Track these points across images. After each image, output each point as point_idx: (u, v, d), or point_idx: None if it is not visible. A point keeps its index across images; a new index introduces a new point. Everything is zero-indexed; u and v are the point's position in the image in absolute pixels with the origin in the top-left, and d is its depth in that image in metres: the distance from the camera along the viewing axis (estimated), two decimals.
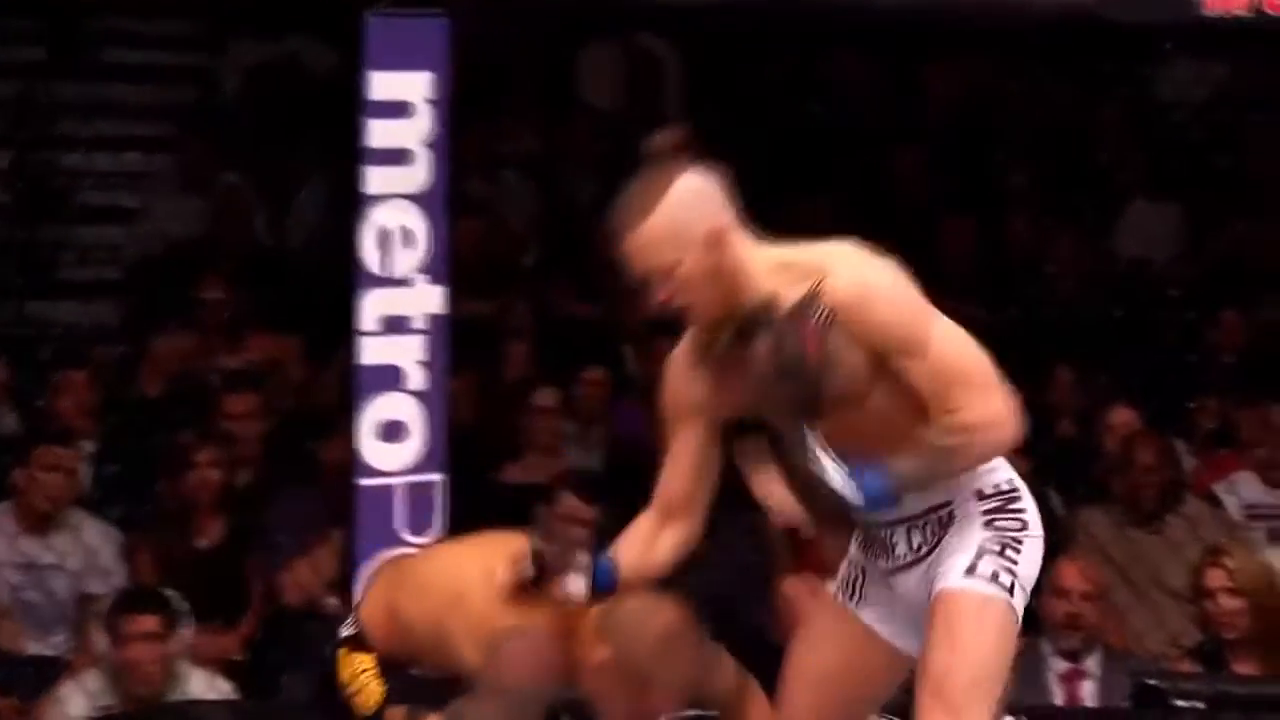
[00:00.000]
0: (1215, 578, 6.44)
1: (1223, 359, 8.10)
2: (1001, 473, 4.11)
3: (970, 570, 4.03)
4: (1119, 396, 7.56)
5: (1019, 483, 4.13)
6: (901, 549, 4.12)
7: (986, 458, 4.02)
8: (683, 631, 4.25)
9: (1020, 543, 4.06)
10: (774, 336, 3.83)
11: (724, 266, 3.90)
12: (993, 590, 4.03)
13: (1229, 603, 6.42)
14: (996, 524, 4.07)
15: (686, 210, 3.90)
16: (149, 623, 6.13)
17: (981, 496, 4.06)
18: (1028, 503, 4.11)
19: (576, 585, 4.20)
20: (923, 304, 3.95)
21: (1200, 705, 6.10)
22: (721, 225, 3.90)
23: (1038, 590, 5.46)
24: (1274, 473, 7.37)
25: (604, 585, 4.20)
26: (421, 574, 4.51)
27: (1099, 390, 7.66)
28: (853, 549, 4.25)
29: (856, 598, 4.19)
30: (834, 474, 3.89)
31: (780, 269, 3.95)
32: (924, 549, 4.10)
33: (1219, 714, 6.02)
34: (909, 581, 4.13)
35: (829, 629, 4.24)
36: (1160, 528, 6.99)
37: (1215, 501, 7.27)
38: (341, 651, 4.48)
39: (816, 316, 3.83)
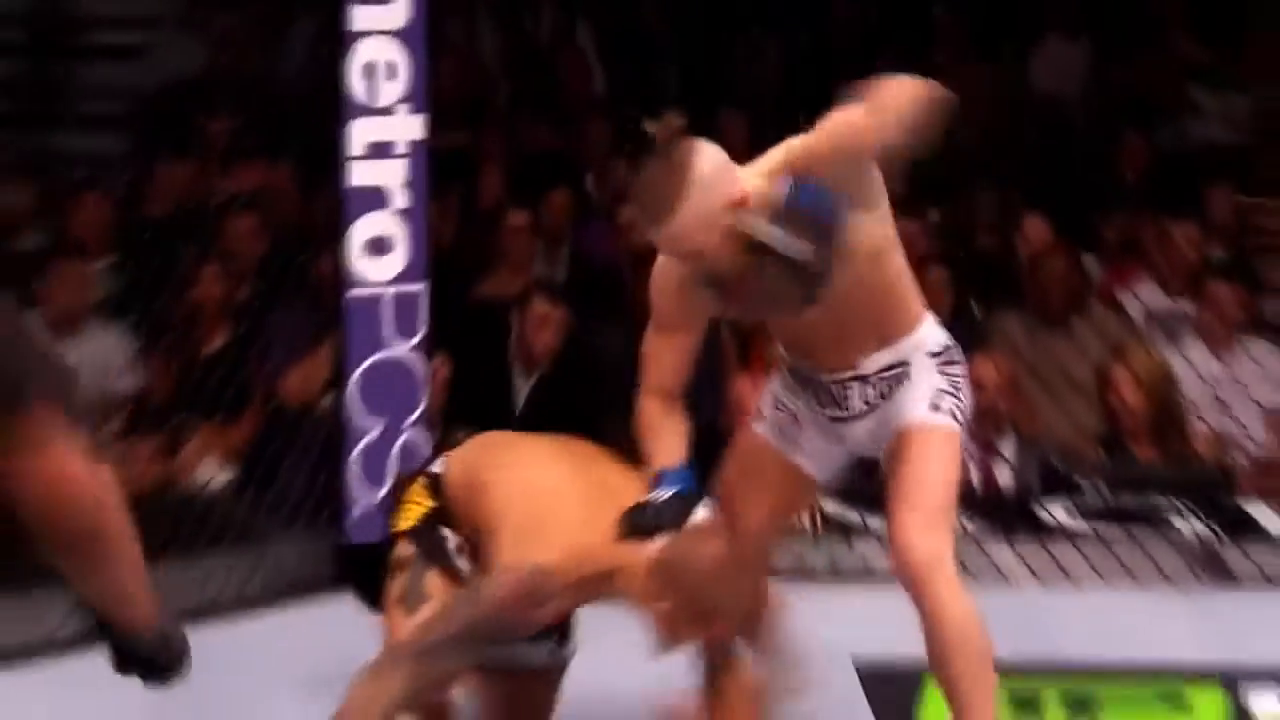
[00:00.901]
0: (1119, 374, 6.54)
1: (1126, 179, 8.14)
2: (942, 333, 4.17)
3: (935, 408, 4.12)
4: (1033, 212, 7.60)
5: (952, 342, 4.20)
6: (855, 402, 4.17)
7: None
8: (731, 560, 4.16)
9: (961, 388, 4.15)
10: (779, 244, 3.81)
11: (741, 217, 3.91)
12: (954, 425, 4.12)
13: (1130, 396, 6.52)
14: (946, 372, 4.14)
15: (707, 194, 3.84)
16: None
17: (932, 354, 4.13)
18: (959, 355, 4.20)
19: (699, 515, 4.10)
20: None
21: (1100, 484, 6.24)
22: (737, 192, 3.85)
23: None
24: (1172, 281, 7.41)
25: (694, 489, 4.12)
26: (519, 470, 4.29)
27: (1015, 207, 7.69)
28: (787, 398, 4.27)
29: (787, 442, 4.24)
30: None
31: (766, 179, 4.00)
32: (876, 402, 4.16)
33: (1116, 491, 6.18)
34: (857, 430, 4.20)
35: (761, 457, 4.27)
36: (1068, 330, 7.04)
37: (1119, 308, 7.32)
38: (420, 480, 4.40)
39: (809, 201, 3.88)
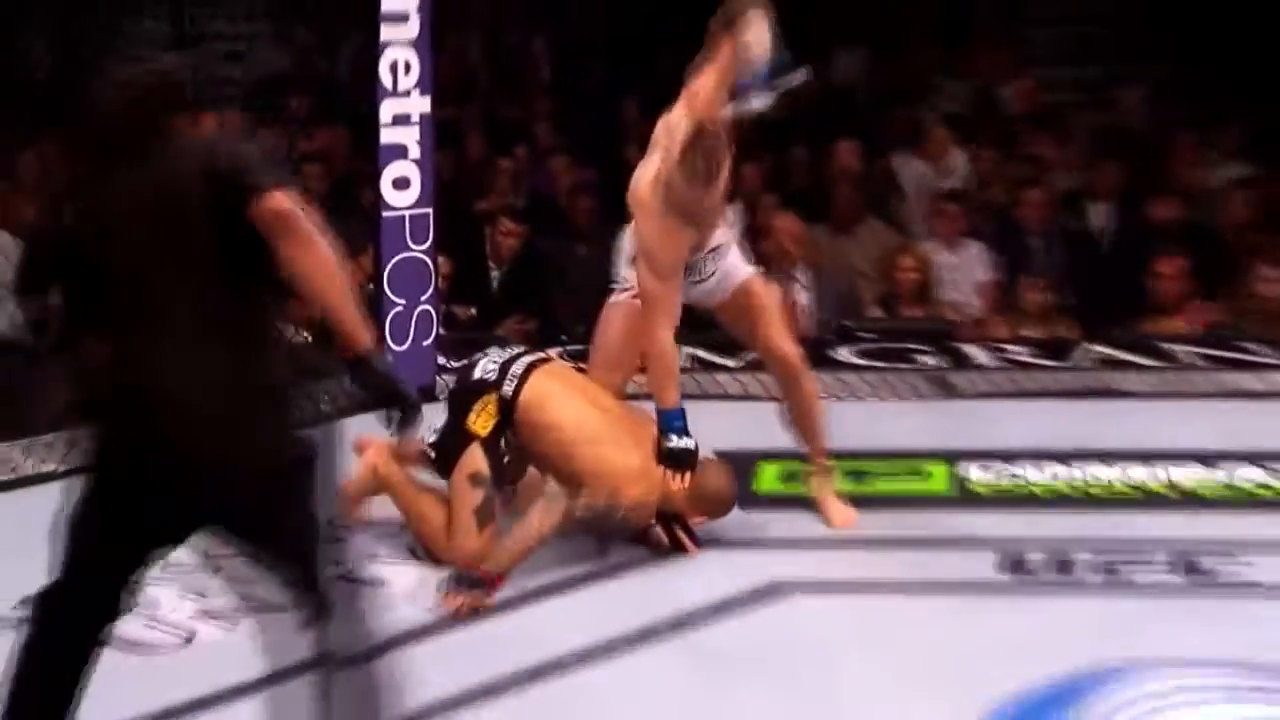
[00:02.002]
0: (903, 260, 6.59)
1: (898, 136, 7.82)
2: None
3: (753, 267, 4.27)
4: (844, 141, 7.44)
5: None
6: (710, 269, 4.19)
7: None
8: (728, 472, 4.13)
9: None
10: None
11: None
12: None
13: (906, 275, 6.58)
14: (737, 243, 4.25)
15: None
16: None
17: (727, 232, 4.22)
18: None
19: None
20: None
21: (876, 335, 6.32)
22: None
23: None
24: (919, 203, 7.37)
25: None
26: (575, 414, 4.03)
27: (829, 152, 7.50)
28: None
29: None
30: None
31: None
32: (714, 268, 4.20)
33: (886, 341, 6.18)
34: (707, 286, 4.22)
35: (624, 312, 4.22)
36: (854, 234, 7.09)
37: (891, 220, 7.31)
38: (494, 395, 4.06)
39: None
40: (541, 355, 4.24)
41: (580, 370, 4.30)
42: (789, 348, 4.28)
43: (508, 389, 4.06)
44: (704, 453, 4.06)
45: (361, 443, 4.28)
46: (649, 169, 4.00)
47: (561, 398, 4.06)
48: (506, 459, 4.08)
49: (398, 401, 2.76)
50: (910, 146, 7.57)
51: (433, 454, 4.11)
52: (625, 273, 4.23)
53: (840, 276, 6.71)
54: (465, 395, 4.11)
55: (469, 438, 4.03)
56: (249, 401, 2.73)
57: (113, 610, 2.83)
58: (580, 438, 3.99)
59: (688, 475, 3.99)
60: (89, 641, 2.81)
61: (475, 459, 4.02)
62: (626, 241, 4.21)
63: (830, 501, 4.36)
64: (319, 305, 2.74)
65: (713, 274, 4.20)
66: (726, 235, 4.23)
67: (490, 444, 4.04)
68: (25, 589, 3.76)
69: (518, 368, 4.10)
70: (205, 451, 2.67)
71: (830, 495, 4.37)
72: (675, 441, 3.99)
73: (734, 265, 4.25)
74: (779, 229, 6.49)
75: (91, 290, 2.74)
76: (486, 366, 4.12)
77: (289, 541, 2.75)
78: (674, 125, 3.99)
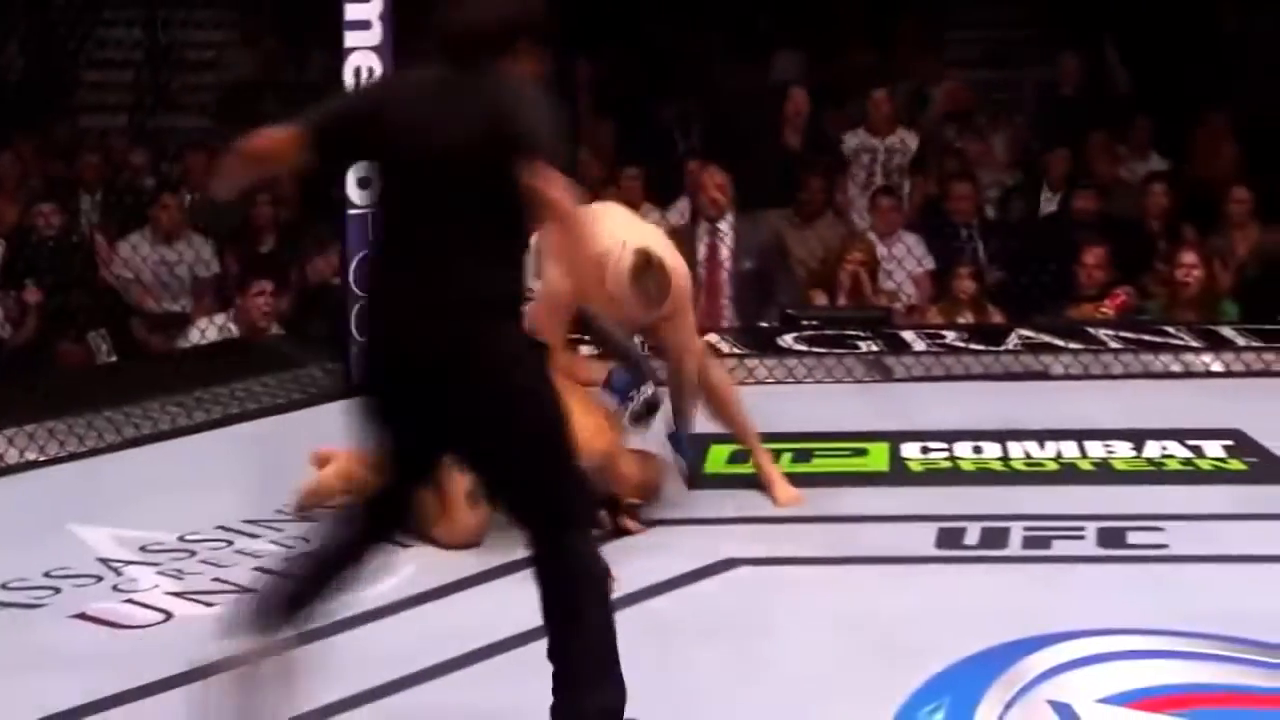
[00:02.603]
0: (852, 255, 6.61)
1: (830, 140, 7.77)
2: None
3: None
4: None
5: None
6: None
7: None
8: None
9: None
10: None
11: None
12: None
13: (850, 268, 6.59)
14: None
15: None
16: (266, 285, 6.19)
17: None
18: None
19: None
20: None
21: (817, 321, 6.34)
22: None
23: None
24: (863, 197, 7.43)
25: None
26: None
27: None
28: None
29: None
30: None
31: None
32: None
33: (825, 327, 6.22)
34: None
35: None
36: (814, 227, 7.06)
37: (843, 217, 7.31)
38: None
39: None
40: None
41: None
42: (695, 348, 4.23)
43: None
44: (637, 445, 4.04)
45: (324, 454, 4.23)
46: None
47: None
48: None
49: (625, 358, 3.09)
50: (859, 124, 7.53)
51: None
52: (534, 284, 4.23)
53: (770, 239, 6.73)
54: None
55: None
56: (495, 318, 2.75)
57: (400, 517, 2.92)
58: None
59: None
60: (374, 542, 2.87)
61: None
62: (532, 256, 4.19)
63: (777, 481, 4.35)
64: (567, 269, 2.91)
65: None
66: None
67: None
68: (16, 570, 3.81)
69: None
70: (451, 360, 2.72)
71: (776, 475, 4.35)
72: (638, 399, 3.95)
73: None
74: (706, 181, 6.49)
75: (380, 166, 2.83)
76: None
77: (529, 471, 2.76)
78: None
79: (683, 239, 6.71)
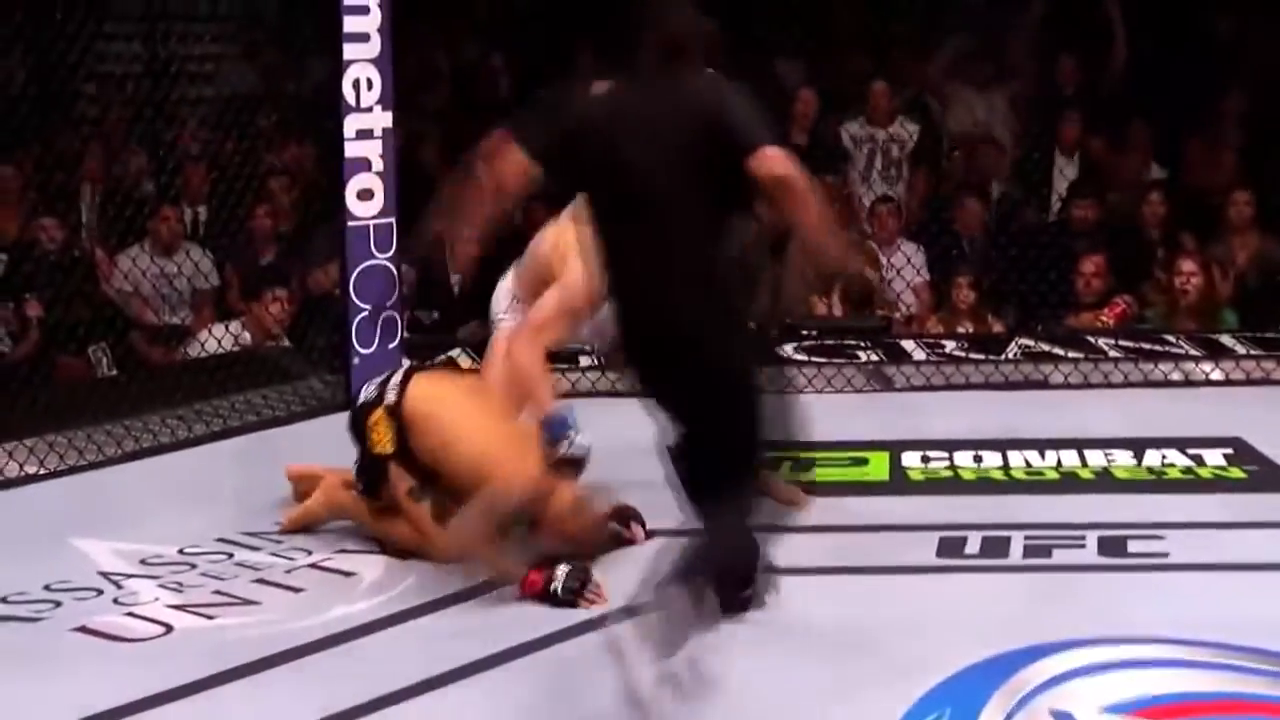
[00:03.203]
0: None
1: (838, 142, 7.85)
2: None
3: None
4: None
5: None
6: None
7: None
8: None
9: None
10: None
11: None
12: None
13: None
14: None
15: None
16: (281, 293, 6.22)
17: None
18: None
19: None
20: None
21: (817, 330, 6.34)
22: None
23: None
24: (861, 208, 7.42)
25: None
26: (462, 417, 3.85)
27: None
28: None
29: None
30: None
31: None
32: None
33: (825, 336, 6.20)
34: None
35: None
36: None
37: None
38: (378, 411, 3.89)
39: None
40: (419, 365, 4.17)
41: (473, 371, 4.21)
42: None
43: (391, 397, 3.90)
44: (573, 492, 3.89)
45: (298, 472, 4.24)
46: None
47: (444, 394, 3.92)
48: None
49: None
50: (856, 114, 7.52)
51: (359, 485, 4.01)
52: (502, 313, 4.20)
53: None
54: (358, 423, 3.96)
55: (381, 460, 3.90)
56: (722, 297, 3.15)
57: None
58: (468, 426, 3.81)
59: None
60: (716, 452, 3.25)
61: (399, 476, 3.88)
62: (508, 282, 4.16)
63: (778, 484, 4.28)
64: (809, 243, 3.10)
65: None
66: None
67: (401, 455, 3.87)
68: (16, 584, 3.81)
69: (397, 378, 3.95)
70: (689, 333, 3.09)
71: (779, 482, 4.30)
72: (568, 446, 3.79)
73: None
74: None
75: (604, 178, 3.10)
76: (367, 390, 3.98)
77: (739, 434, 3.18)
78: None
79: None
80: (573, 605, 3.63)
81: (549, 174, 3.09)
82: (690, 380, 3.15)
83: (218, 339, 6.21)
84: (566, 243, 3.97)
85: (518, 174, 3.09)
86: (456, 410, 3.87)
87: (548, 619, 3.59)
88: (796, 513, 4.24)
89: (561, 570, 3.66)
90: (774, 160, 3.01)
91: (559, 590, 3.64)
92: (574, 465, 3.84)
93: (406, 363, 4.05)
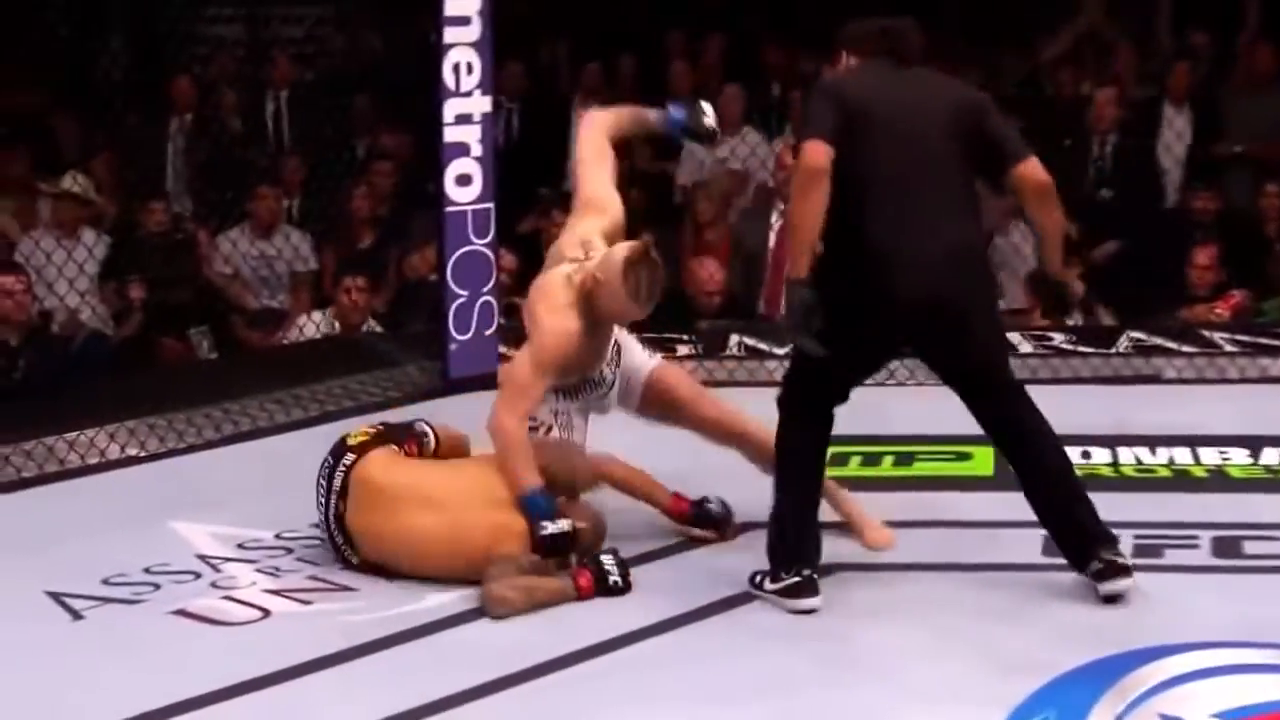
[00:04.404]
0: None
1: None
2: None
3: (652, 355, 4.11)
4: None
5: None
6: (609, 376, 4.00)
7: None
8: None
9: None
10: None
11: None
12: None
13: None
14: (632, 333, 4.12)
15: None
16: (359, 281, 6.25)
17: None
18: None
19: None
20: None
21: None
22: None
23: None
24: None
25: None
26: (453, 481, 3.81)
27: None
28: (562, 406, 3.97)
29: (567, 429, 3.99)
30: None
31: None
32: (614, 374, 4.02)
33: None
34: (613, 394, 4.04)
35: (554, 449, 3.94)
36: None
37: None
38: (417, 441, 3.92)
39: None
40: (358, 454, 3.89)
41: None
42: (724, 414, 4.06)
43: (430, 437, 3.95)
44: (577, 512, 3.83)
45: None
46: (557, 274, 3.84)
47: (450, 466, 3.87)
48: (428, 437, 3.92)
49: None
50: None
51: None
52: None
53: None
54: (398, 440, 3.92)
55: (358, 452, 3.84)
56: (975, 262, 3.64)
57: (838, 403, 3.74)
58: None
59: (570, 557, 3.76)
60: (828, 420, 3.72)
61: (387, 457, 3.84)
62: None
63: (867, 524, 4.09)
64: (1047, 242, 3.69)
65: (614, 381, 4.03)
66: (621, 336, 4.05)
67: (385, 436, 3.88)
68: (117, 566, 3.89)
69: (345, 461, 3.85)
70: (948, 294, 3.50)
71: (864, 518, 4.10)
72: (549, 528, 3.69)
73: (634, 364, 4.06)
74: (787, 158, 6.46)
75: (863, 167, 3.44)
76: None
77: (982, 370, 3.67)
78: (585, 236, 3.88)
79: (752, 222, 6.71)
80: (628, 589, 3.71)
81: (838, 152, 3.41)
82: (952, 346, 3.61)
83: (315, 324, 6.28)
84: (540, 291, 3.87)
85: (826, 157, 3.39)
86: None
87: (627, 613, 3.62)
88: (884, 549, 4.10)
89: (607, 562, 3.74)
90: (1039, 169, 3.56)
91: (618, 582, 3.71)
92: (553, 550, 3.71)
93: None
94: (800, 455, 3.67)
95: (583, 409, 4.04)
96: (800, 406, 3.68)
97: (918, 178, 3.48)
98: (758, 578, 3.68)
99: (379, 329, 6.38)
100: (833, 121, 3.41)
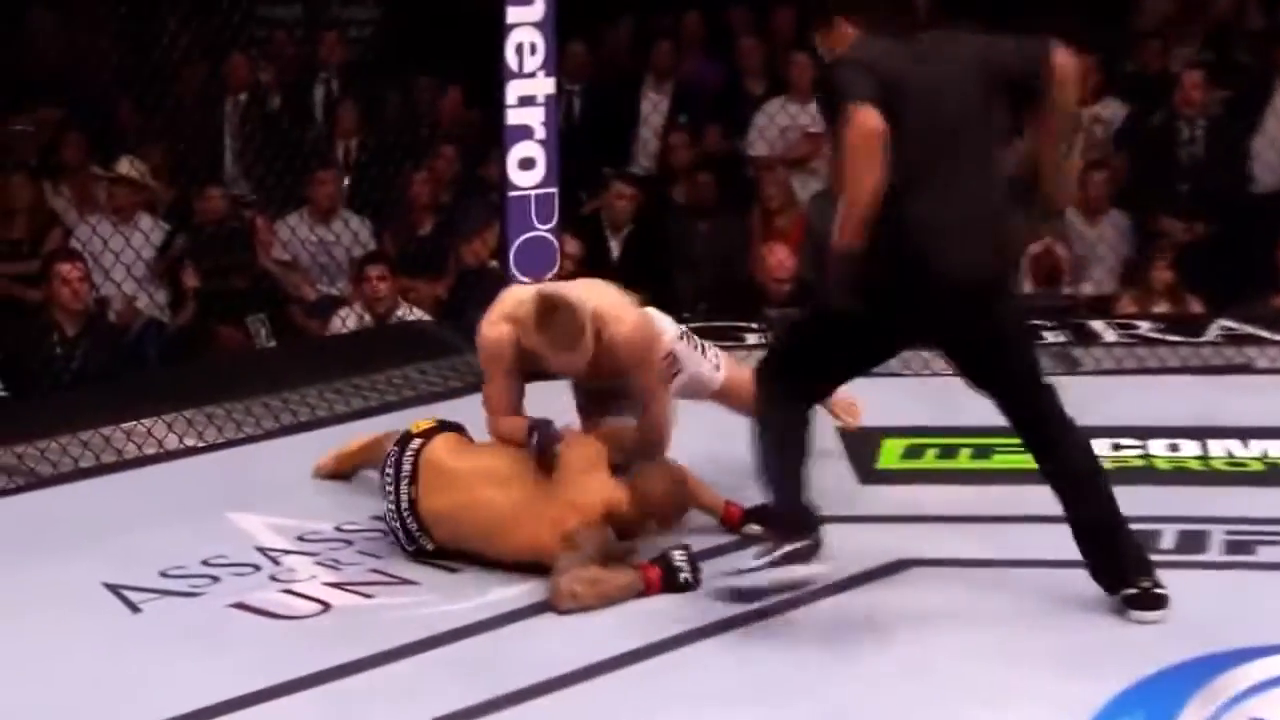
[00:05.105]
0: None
1: None
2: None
3: (718, 367, 4.20)
4: None
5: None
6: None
7: None
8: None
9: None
10: None
11: None
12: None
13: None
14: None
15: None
16: (380, 269, 6.28)
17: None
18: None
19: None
20: None
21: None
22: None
23: None
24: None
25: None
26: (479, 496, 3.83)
27: None
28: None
29: None
30: None
31: None
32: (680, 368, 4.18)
33: None
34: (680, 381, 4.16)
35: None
36: None
37: None
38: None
39: None
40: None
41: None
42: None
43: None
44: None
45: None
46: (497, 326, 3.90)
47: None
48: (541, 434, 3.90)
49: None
50: None
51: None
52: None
53: None
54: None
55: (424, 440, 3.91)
56: (1007, 245, 3.62)
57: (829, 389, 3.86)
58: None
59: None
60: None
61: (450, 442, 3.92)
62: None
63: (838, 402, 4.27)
64: (1042, 152, 3.52)
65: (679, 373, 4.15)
66: (679, 348, 4.15)
67: (447, 424, 3.97)
68: (175, 558, 3.93)
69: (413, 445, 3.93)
70: (986, 278, 3.47)
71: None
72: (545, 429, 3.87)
73: (700, 377, 4.17)
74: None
75: (900, 144, 3.34)
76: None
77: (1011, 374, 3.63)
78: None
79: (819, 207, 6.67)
80: (698, 585, 3.71)
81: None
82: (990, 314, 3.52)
83: (342, 319, 6.29)
84: (485, 338, 3.94)
85: (879, 120, 3.31)
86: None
87: (688, 611, 3.63)
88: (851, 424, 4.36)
89: (676, 557, 3.75)
90: (1066, 53, 3.46)
91: (688, 579, 3.73)
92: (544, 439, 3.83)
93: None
94: (788, 432, 3.57)
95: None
96: (788, 386, 3.59)
97: (955, 153, 3.42)
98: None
99: (411, 316, 6.36)
100: (873, 90, 3.32)
